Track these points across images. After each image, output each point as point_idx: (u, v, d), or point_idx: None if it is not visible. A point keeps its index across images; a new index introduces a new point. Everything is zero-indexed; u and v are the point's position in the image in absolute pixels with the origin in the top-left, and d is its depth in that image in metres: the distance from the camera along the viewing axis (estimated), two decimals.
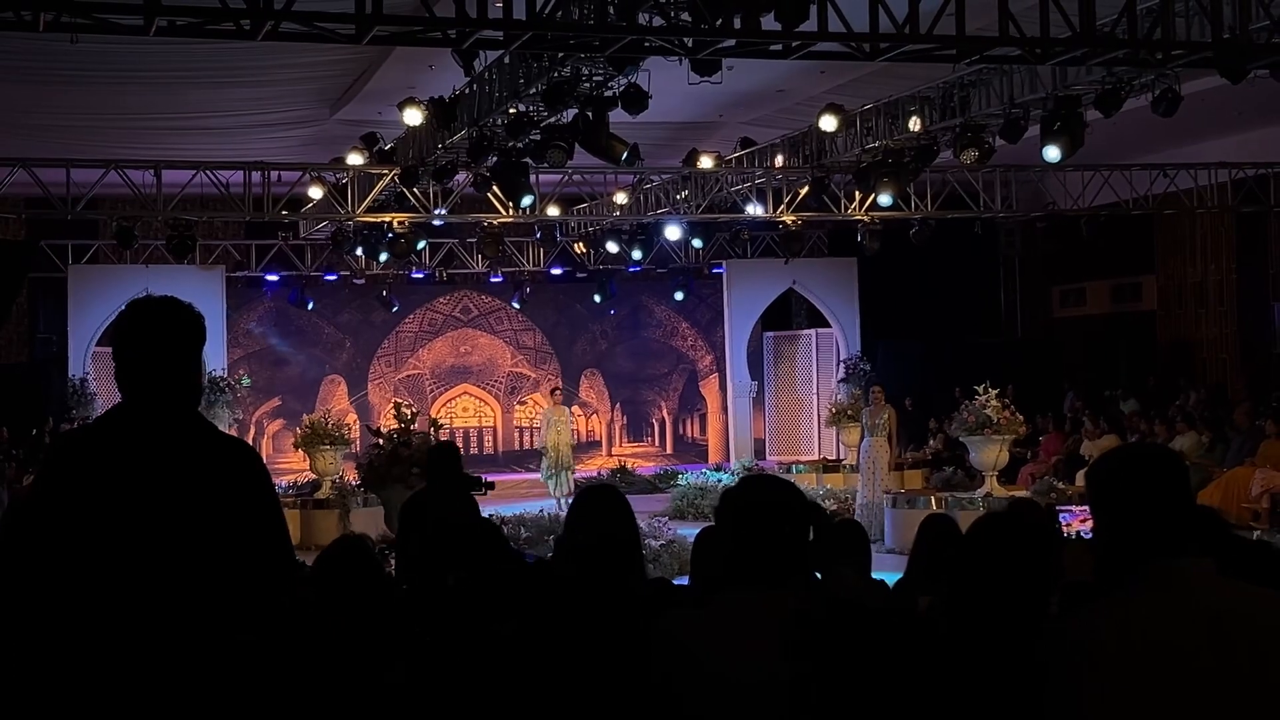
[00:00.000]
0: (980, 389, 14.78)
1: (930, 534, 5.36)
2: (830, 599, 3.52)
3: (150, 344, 3.07)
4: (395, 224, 17.05)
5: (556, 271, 22.88)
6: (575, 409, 22.67)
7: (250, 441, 21.53)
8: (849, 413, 19.14)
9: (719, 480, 18.80)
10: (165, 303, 3.12)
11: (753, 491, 3.16)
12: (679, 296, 23.54)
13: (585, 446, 23.28)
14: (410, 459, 12.04)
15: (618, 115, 11.63)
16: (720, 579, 3.42)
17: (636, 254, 20.26)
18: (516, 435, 23.99)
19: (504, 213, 17.40)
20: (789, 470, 19.03)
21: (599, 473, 20.81)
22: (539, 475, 18.94)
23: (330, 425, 16.65)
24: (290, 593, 3.15)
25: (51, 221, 17.82)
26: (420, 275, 22.32)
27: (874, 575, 5.20)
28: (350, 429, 17.83)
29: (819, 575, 4.18)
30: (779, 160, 16.70)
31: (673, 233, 19.36)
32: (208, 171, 15.90)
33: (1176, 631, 2.52)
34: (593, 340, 24.29)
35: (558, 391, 20.20)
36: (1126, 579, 2.65)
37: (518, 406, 24.02)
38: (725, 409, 23.18)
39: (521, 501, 17.82)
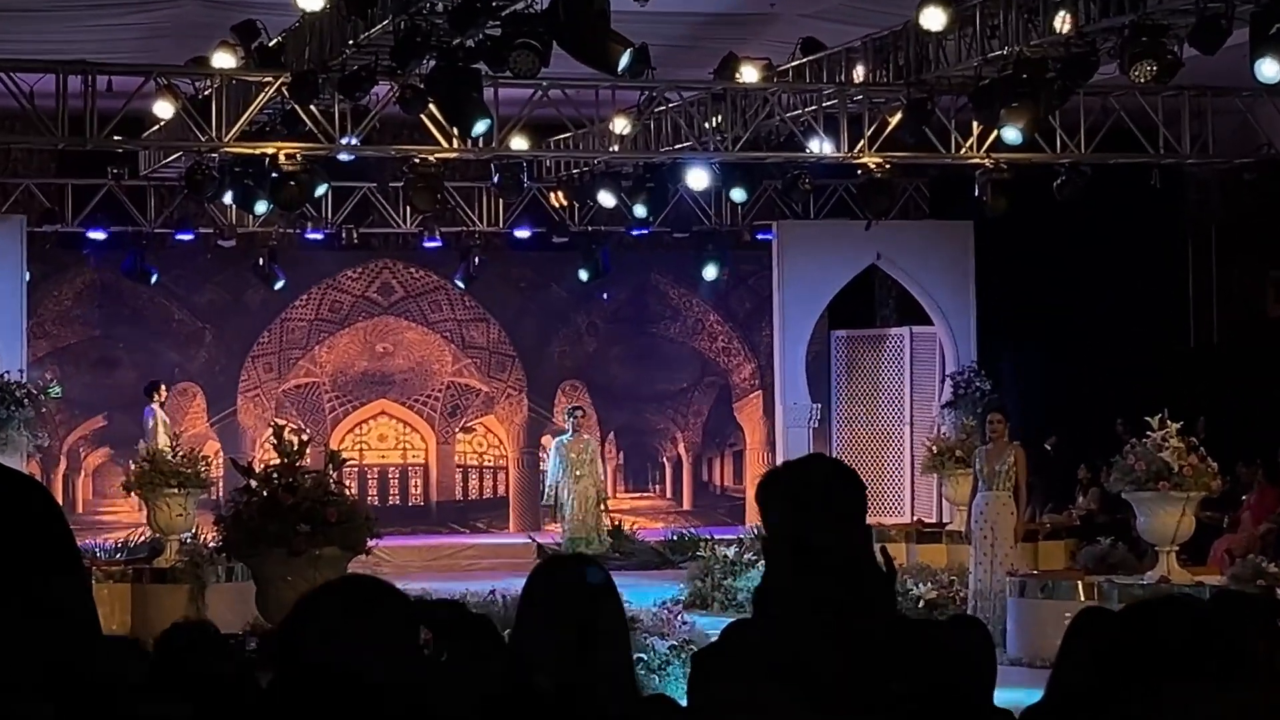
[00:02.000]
0: (1155, 421, 14.76)
1: (1087, 637, 5.34)
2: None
3: None
4: (282, 157, 17.05)
5: (522, 234, 22.90)
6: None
7: (60, 478, 21.66)
8: (957, 454, 19.14)
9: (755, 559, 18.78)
10: None
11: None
12: (708, 275, 23.59)
13: None
14: (296, 510, 12.00)
15: (618, 1, 11.63)
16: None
17: (641, 210, 20.27)
18: (459, 478, 24.00)
19: (445, 145, 17.41)
20: None
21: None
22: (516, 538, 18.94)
23: (179, 458, 16.63)
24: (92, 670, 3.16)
25: None
26: (318, 236, 22.36)
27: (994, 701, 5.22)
28: (210, 464, 17.82)
29: None
30: (859, 74, 16.70)
31: (698, 179, 19.35)
32: (3, 74, 15.91)
33: None
34: (575, 337, 24.33)
35: (579, 411, 20.19)
36: None
37: (460, 435, 24.01)
38: (772, 444, 23.19)
39: (464, 578, 17.79)
